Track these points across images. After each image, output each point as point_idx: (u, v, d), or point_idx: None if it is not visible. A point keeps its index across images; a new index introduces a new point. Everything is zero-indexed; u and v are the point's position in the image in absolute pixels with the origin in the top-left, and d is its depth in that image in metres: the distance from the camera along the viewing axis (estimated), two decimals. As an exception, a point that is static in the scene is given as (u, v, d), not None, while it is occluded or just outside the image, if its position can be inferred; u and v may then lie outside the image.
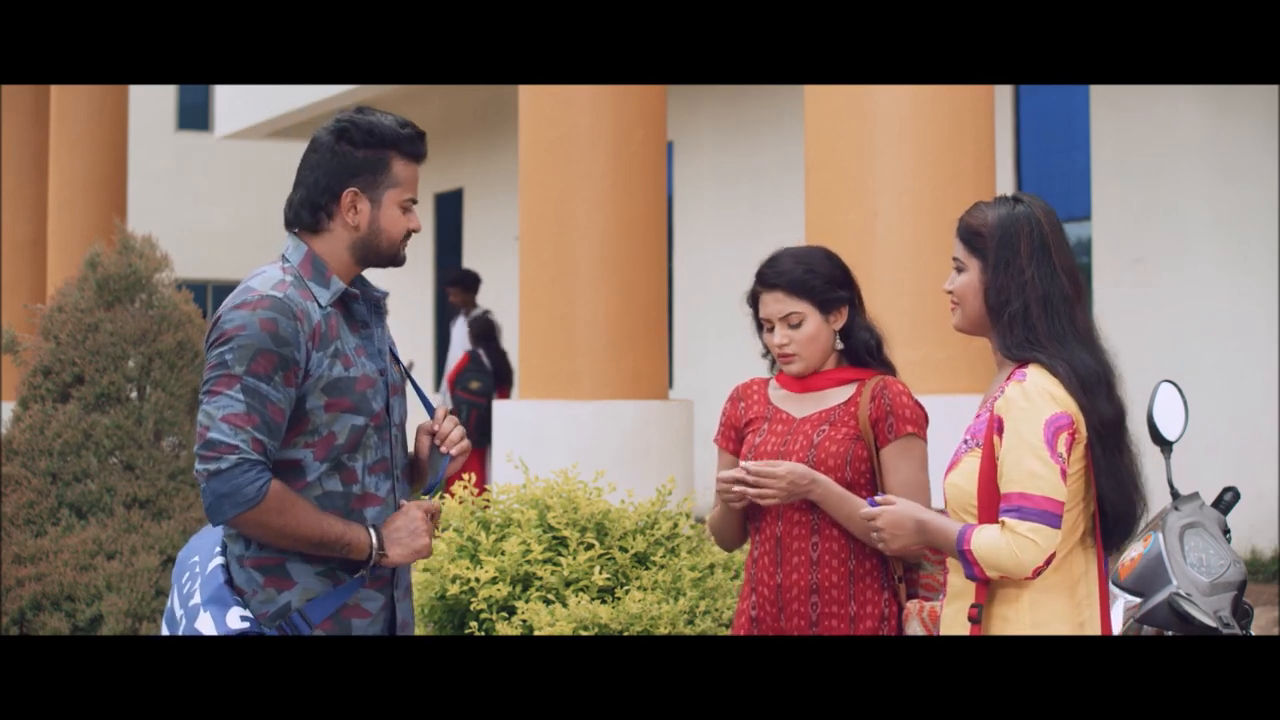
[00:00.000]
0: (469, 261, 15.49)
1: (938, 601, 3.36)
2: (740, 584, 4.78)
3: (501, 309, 12.62)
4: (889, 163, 6.04)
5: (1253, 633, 3.91)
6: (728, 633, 4.63)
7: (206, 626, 3.01)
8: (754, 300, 3.58)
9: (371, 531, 3.07)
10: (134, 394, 5.80)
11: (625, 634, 4.50)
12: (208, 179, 22.44)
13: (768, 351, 3.59)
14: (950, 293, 3.15)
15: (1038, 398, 2.94)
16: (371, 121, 3.12)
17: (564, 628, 4.48)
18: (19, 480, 5.65)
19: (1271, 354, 8.96)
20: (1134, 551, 3.80)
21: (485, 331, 11.68)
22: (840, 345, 3.57)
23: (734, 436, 3.62)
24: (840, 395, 3.53)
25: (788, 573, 3.47)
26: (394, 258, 3.18)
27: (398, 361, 3.27)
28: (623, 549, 4.82)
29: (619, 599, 4.67)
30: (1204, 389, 8.39)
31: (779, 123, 12.14)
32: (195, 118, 22.59)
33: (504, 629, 4.62)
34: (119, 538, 5.52)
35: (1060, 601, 2.99)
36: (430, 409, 3.31)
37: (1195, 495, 3.94)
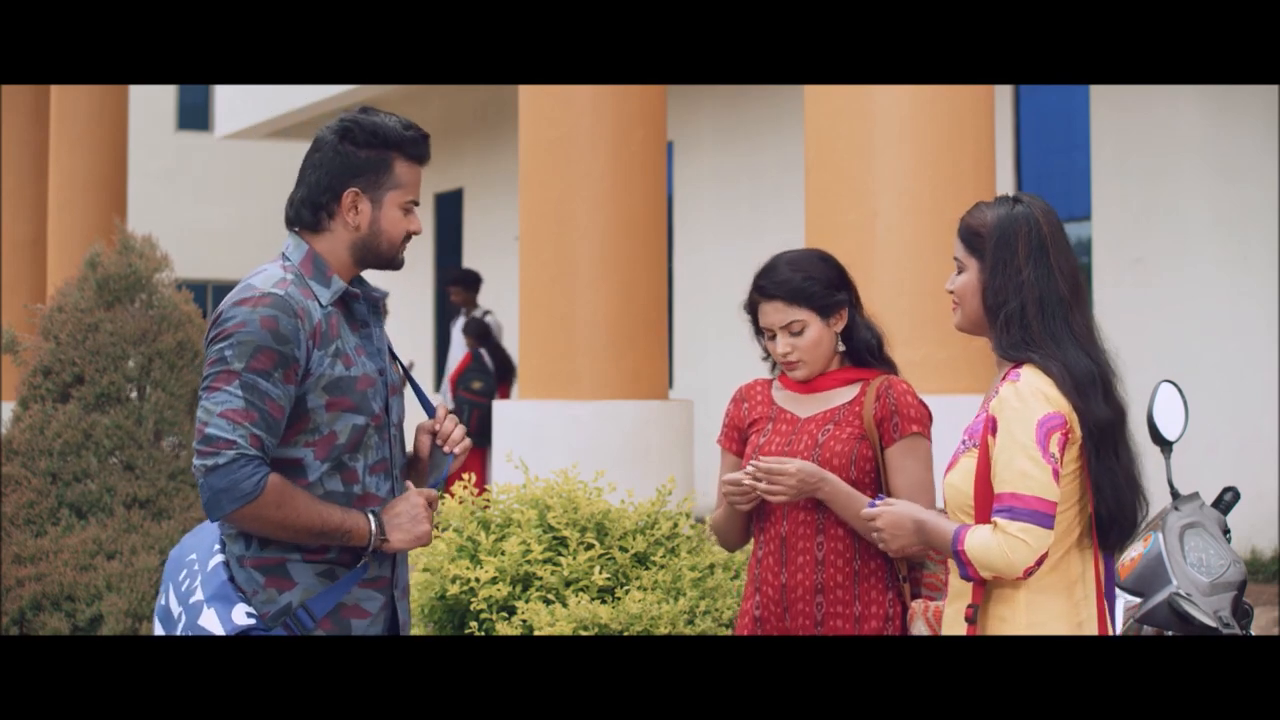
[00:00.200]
0: (469, 261, 15.49)
1: (942, 600, 3.36)
2: (740, 584, 4.78)
3: (501, 309, 12.63)
4: (889, 163, 6.04)
5: (1253, 633, 3.91)
6: (728, 633, 4.63)
7: (211, 623, 3.01)
8: (752, 308, 3.57)
9: (371, 517, 3.07)
10: (134, 394, 5.80)
11: (625, 634, 4.50)
12: (208, 179, 22.44)
13: (768, 355, 3.59)
14: (952, 292, 3.15)
15: (1031, 398, 2.94)
16: (375, 122, 3.11)
17: (564, 628, 4.48)
18: (19, 480, 5.65)
19: (1271, 354, 8.96)
20: (1134, 551, 3.80)
21: (481, 333, 11.69)
22: (842, 346, 3.57)
23: (737, 438, 3.62)
24: (845, 395, 3.53)
25: (792, 572, 3.47)
26: (392, 260, 3.18)
27: (396, 360, 3.27)
28: (623, 549, 4.82)
29: (619, 599, 4.67)
30: (1204, 389, 8.39)
31: (779, 123, 12.14)
32: (195, 118, 22.60)
33: (504, 629, 4.62)
34: (119, 538, 5.52)
35: (1057, 602, 2.99)
36: (429, 408, 3.31)
37: (1195, 495, 3.94)
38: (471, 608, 4.75)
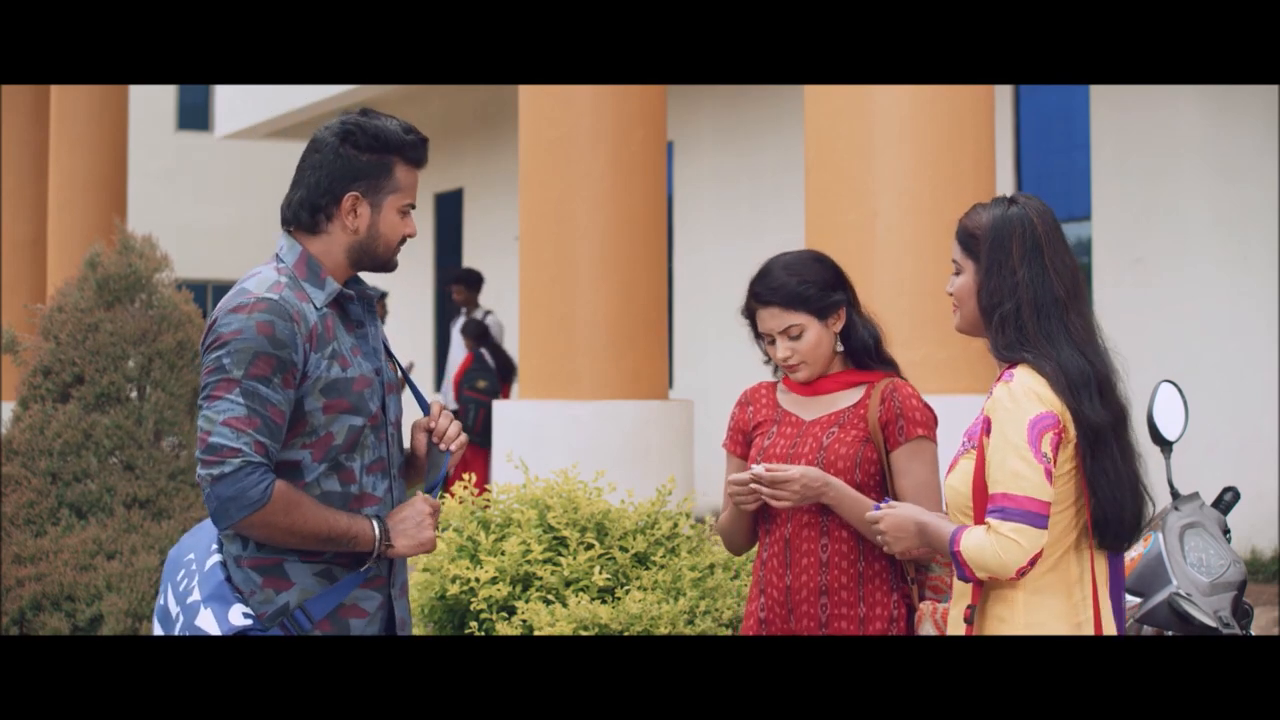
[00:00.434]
0: (469, 261, 15.49)
1: (948, 602, 3.36)
2: (740, 584, 4.78)
3: (502, 309, 12.63)
4: (889, 163, 6.04)
5: (1253, 633, 3.91)
6: (728, 633, 4.63)
7: (208, 624, 3.01)
8: (750, 314, 3.57)
9: (375, 523, 3.07)
10: (134, 394, 5.80)
11: (625, 634, 4.50)
12: (208, 179, 22.44)
13: (770, 359, 3.59)
14: (952, 295, 3.15)
15: (1023, 398, 2.94)
16: (377, 125, 3.11)
17: (564, 628, 4.48)
18: (19, 480, 5.65)
19: (1271, 354, 8.96)
20: (1134, 551, 3.80)
21: (479, 333, 11.70)
22: (841, 346, 3.56)
23: (742, 441, 3.62)
24: (849, 398, 3.53)
25: (797, 574, 3.47)
26: (388, 263, 3.18)
27: (393, 359, 3.26)
28: (623, 549, 4.82)
29: (619, 599, 4.67)
30: (1204, 389, 8.39)
31: (779, 123, 12.14)
32: (195, 118, 22.60)
33: (504, 629, 4.62)
34: (119, 538, 5.52)
35: (1056, 603, 2.99)
36: (425, 406, 3.31)
37: (1195, 495, 3.94)
38: (471, 608, 4.75)
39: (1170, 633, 3.67)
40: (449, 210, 16.44)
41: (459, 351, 12.18)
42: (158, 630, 3.14)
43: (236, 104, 16.83)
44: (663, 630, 4.54)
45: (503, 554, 4.80)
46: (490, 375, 11.44)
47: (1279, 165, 8.97)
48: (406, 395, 3.34)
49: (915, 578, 3.47)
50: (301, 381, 3.01)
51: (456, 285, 12.38)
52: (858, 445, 3.45)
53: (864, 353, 3.55)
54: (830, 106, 6.17)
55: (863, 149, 6.07)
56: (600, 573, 4.71)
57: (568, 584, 4.74)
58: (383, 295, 3.87)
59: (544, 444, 7.33)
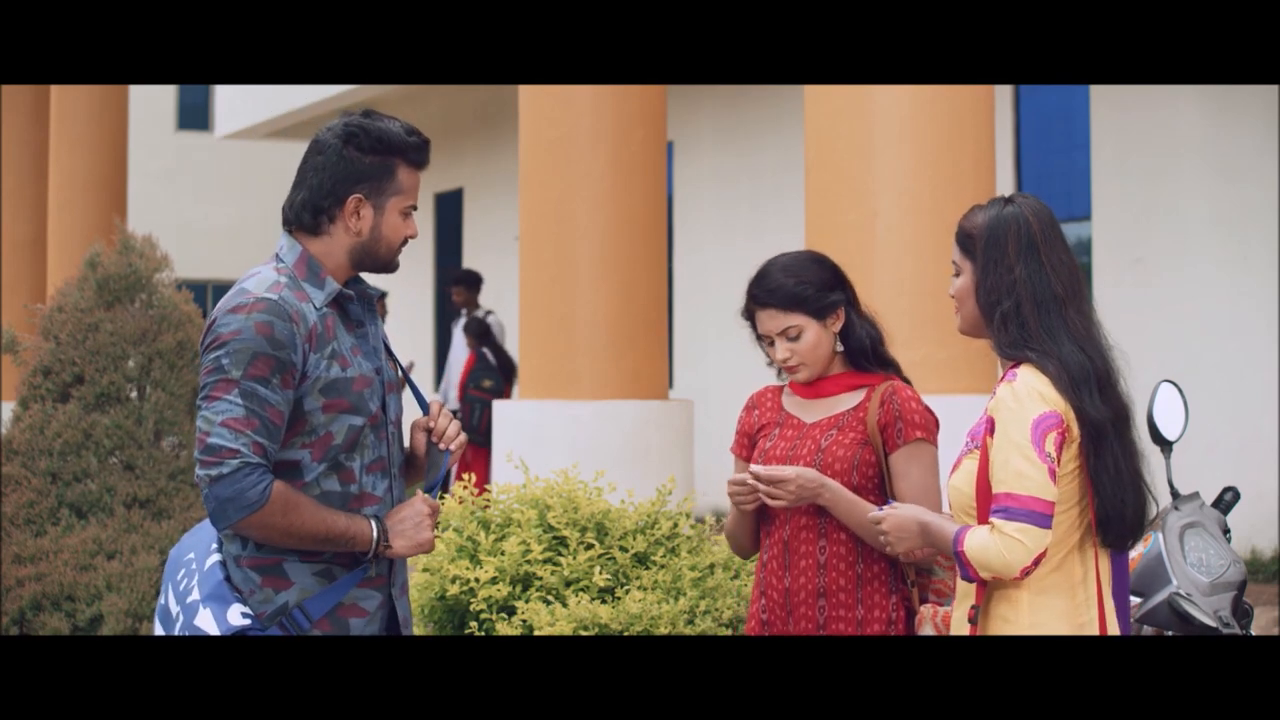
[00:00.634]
0: (469, 261, 15.50)
1: (950, 606, 3.36)
2: (740, 584, 4.79)
3: (502, 309, 12.63)
4: (889, 163, 6.04)
5: (1253, 633, 3.91)
6: (728, 633, 4.63)
7: (207, 623, 3.01)
8: (749, 316, 3.58)
9: (374, 523, 3.07)
10: (134, 394, 5.80)
11: (625, 634, 4.50)
12: (208, 179, 22.45)
13: (772, 361, 3.60)
14: (954, 297, 3.15)
15: (1026, 398, 2.94)
16: (380, 128, 3.11)
17: (564, 628, 4.48)
18: (19, 480, 5.65)
19: (1271, 354, 8.96)
20: (1134, 551, 3.80)
21: (482, 332, 11.70)
22: (841, 346, 3.56)
23: (747, 444, 3.63)
24: (850, 400, 3.53)
25: (795, 576, 3.47)
26: (389, 264, 3.18)
27: (393, 358, 3.26)
28: (623, 549, 4.82)
29: (619, 599, 4.67)
30: (1204, 389, 8.39)
31: (779, 123, 12.14)
32: (195, 118, 22.60)
33: (504, 629, 4.62)
34: (119, 538, 5.52)
35: (1060, 603, 2.99)
36: (424, 405, 3.31)
37: (1195, 495, 3.94)
38: (471, 608, 4.75)
39: (1170, 633, 3.67)
40: (449, 210, 16.44)
41: (460, 351, 12.18)
42: (159, 630, 3.14)
43: (236, 104, 16.83)
44: (663, 630, 4.54)
45: (503, 554, 4.80)
46: (495, 375, 11.44)
47: (1279, 165, 8.97)
48: (406, 394, 3.34)
49: (916, 581, 3.47)
50: (301, 381, 3.01)
51: (456, 286, 12.38)
52: (855, 448, 3.46)
53: (861, 353, 3.55)
54: (830, 106, 6.17)
55: (863, 149, 6.07)
56: (600, 573, 4.71)
57: (568, 584, 4.74)
58: (382, 295, 3.87)
59: (544, 444, 7.33)
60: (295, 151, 21.71)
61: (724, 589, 4.76)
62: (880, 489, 3.46)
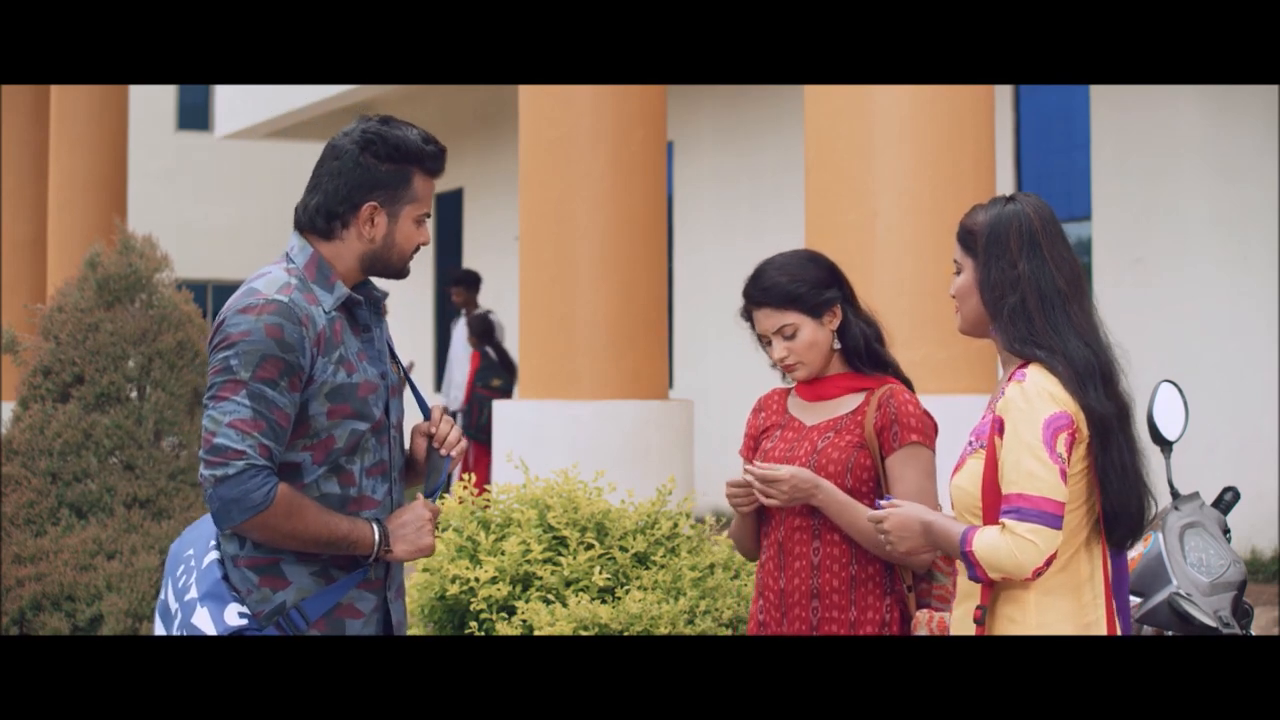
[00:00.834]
0: (469, 261, 15.50)
1: (948, 612, 3.36)
2: (740, 584, 4.79)
3: (502, 309, 12.63)
4: (889, 163, 6.04)
5: (1253, 633, 3.91)
6: (728, 633, 4.63)
7: (203, 622, 3.01)
8: (747, 316, 3.58)
9: (375, 527, 3.07)
10: (134, 394, 5.80)
11: (625, 634, 4.50)
12: (208, 179, 22.44)
13: (775, 363, 3.60)
14: (954, 296, 3.15)
15: (1037, 398, 2.94)
16: (398, 136, 3.09)
17: (564, 628, 4.48)
18: (19, 480, 5.65)
19: (1271, 354, 8.96)
20: (1134, 551, 3.80)
21: (485, 330, 11.68)
22: (838, 345, 3.56)
23: (753, 446, 3.64)
24: (850, 404, 3.53)
25: (790, 577, 3.48)
26: (401, 270, 3.18)
27: (396, 361, 3.26)
28: (623, 549, 4.82)
29: (619, 599, 4.67)
30: (1204, 389, 8.39)
31: (779, 123, 12.14)
32: (195, 118, 22.60)
33: (504, 629, 4.62)
34: (119, 538, 5.52)
35: (1066, 603, 2.99)
36: (425, 409, 3.30)
37: (1195, 495, 3.94)
38: (471, 608, 4.75)
39: (1170, 633, 3.67)
40: (449, 210, 16.44)
41: (461, 351, 12.17)
42: (159, 625, 3.14)
43: (236, 104, 16.83)
44: (663, 630, 4.54)
45: (503, 554, 4.80)
46: (504, 373, 11.43)
47: (1279, 165, 8.97)
48: (407, 396, 3.34)
49: (913, 585, 3.47)
50: (307, 385, 3.00)
51: (456, 286, 12.38)
52: (850, 450, 3.46)
53: (855, 352, 3.55)
54: (830, 106, 6.17)
55: (863, 149, 6.07)
56: (600, 573, 4.71)
57: (568, 584, 4.74)
58: (383, 296, 3.86)
59: (544, 444, 7.33)
60: (295, 151, 21.72)
61: (724, 589, 4.76)
62: (875, 493, 3.46)
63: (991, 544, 2.92)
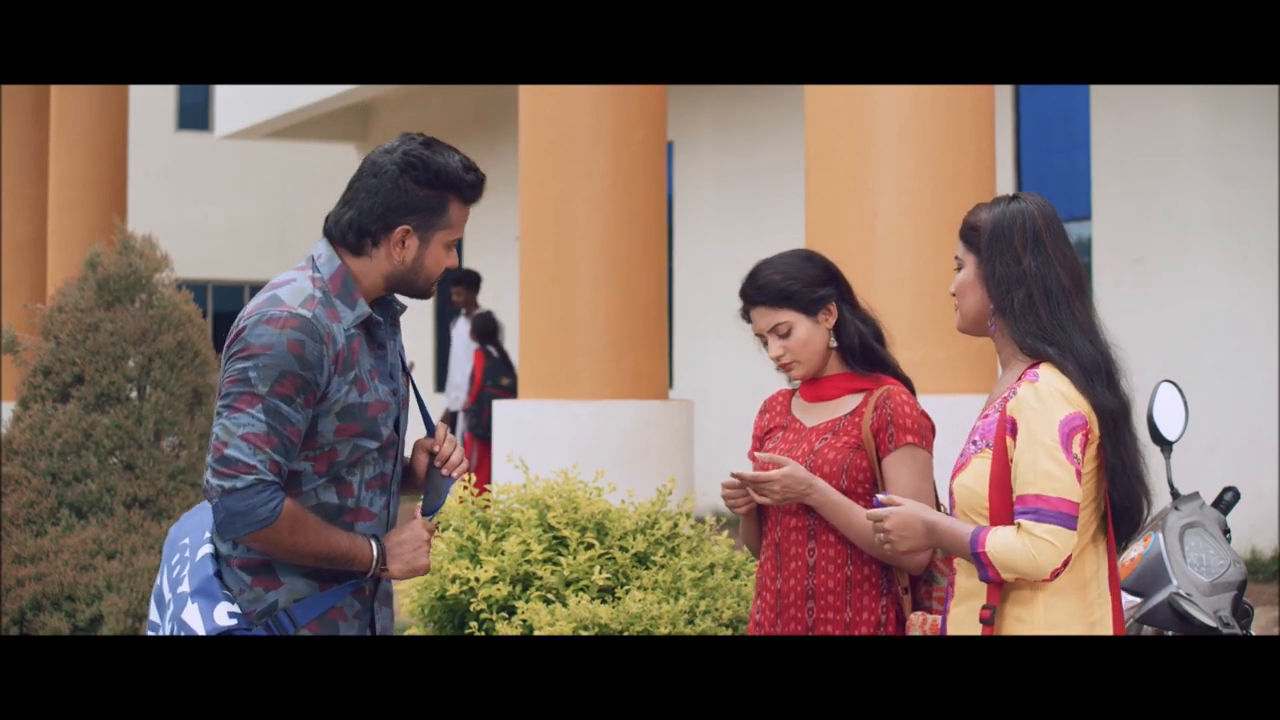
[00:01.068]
0: (469, 261, 15.50)
1: (943, 614, 3.35)
2: (740, 584, 4.79)
3: (501, 309, 12.63)
4: (889, 163, 6.04)
5: (1253, 633, 3.91)
6: (728, 633, 4.63)
7: (193, 619, 3.01)
8: (746, 316, 3.59)
9: (374, 544, 3.07)
10: (134, 394, 5.80)
11: (625, 634, 4.50)
12: (208, 179, 22.45)
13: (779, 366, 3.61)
14: (954, 295, 3.15)
15: (1050, 398, 2.94)
16: (439, 163, 3.07)
17: (564, 628, 4.48)
18: (19, 480, 5.65)
19: (1271, 354, 8.97)
20: (1134, 551, 3.80)
21: (488, 329, 11.68)
22: (834, 343, 3.55)
23: (759, 448, 3.64)
24: (850, 404, 3.53)
25: (786, 578, 3.48)
26: (425, 292, 3.17)
27: (407, 374, 3.25)
28: (623, 549, 4.82)
29: (619, 599, 4.67)
30: (1204, 389, 8.39)
31: (779, 123, 12.14)
32: (195, 118, 22.60)
33: (504, 629, 4.62)
34: (119, 538, 5.52)
35: (1072, 602, 2.99)
36: (430, 425, 3.29)
37: (1195, 495, 3.94)
38: (471, 608, 4.75)
39: (1170, 633, 3.67)
40: (449, 210, 16.41)
41: (462, 351, 12.17)
42: (153, 610, 3.14)
43: (236, 104, 16.83)
44: (663, 630, 4.54)
45: (503, 554, 4.80)
46: (512, 372, 11.44)
47: (1279, 165, 8.97)
48: (412, 405, 3.33)
49: (910, 587, 3.46)
50: (320, 401, 2.99)
51: (456, 286, 12.38)
52: (846, 452, 3.46)
53: (850, 351, 3.55)
54: (830, 106, 6.17)
55: (863, 149, 6.07)
56: (600, 573, 4.71)
57: (568, 584, 4.74)
58: (403, 309, 3.85)
59: (544, 444, 7.33)
60: (295, 151, 21.74)
61: (724, 589, 4.76)
62: (872, 495, 3.45)
63: (1007, 545, 2.91)
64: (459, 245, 13.26)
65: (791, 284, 3.50)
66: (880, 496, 3.13)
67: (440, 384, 15.25)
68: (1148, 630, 3.71)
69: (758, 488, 3.41)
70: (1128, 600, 3.74)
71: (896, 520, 3.06)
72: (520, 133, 8.06)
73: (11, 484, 5.65)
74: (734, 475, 3.44)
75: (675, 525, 4.95)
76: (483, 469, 10.85)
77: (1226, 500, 4.00)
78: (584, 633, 4.48)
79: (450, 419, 12.18)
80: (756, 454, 3.46)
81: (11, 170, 14.61)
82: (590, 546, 4.81)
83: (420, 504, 3.24)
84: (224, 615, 3.01)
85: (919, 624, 3.38)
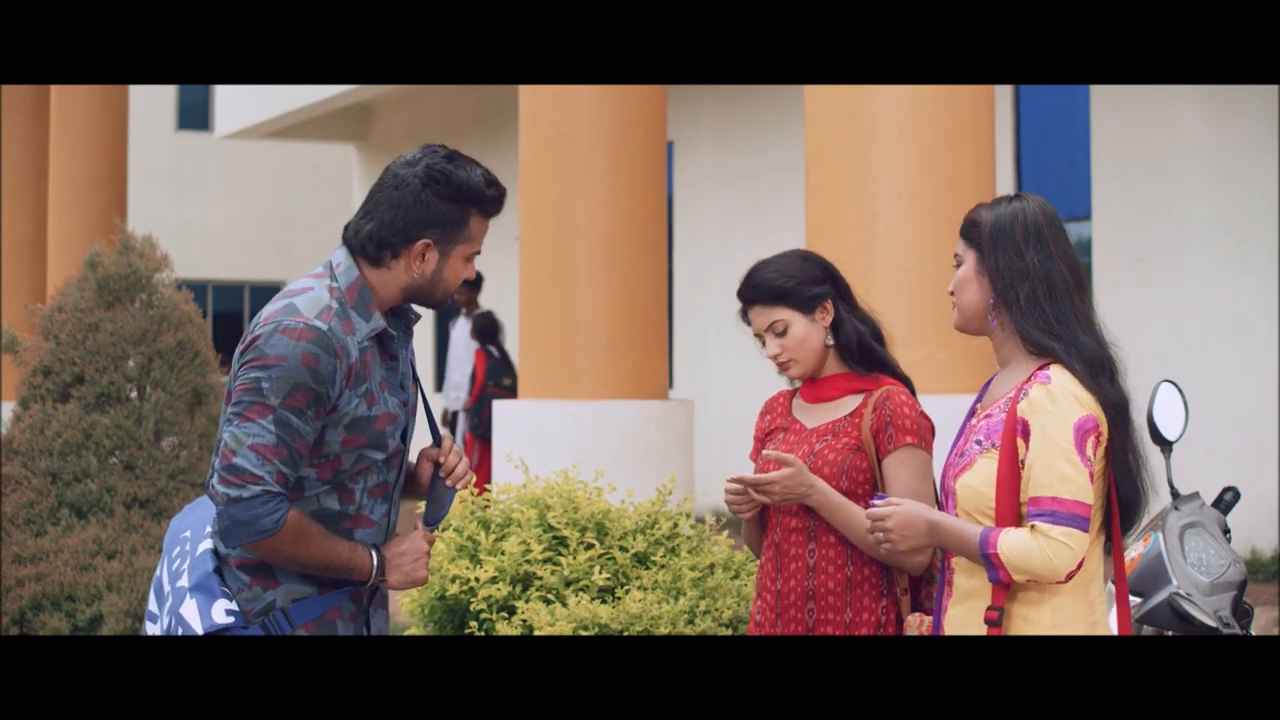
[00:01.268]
0: (469, 261, 15.48)
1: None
2: (740, 584, 4.79)
3: (502, 309, 12.63)
4: (889, 163, 6.04)
5: (1253, 633, 3.91)
6: (728, 633, 4.63)
7: (190, 615, 3.01)
8: (745, 316, 3.59)
9: (374, 555, 3.07)
10: (134, 394, 5.81)
11: (625, 634, 4.50)
12: (208, 179, 22.46)
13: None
14: (952, 293, 3.15)
15: (1064, 401, 2.94)
16: (462, 177, 3.07)
17: (564, 628, 4.48)
18: (19, 480, 5.65)
19: (1271, 354, 8.97)
20: (1134, 551, 3.80)
21: (488, 329, 11.68)
22: (832, 341, 3.55)
23: (760, 449, 3.64)
24: (850, 405, 3.53)
25: (786, 579, 3.48)
26: (441, 304, 3.18)
27: (416, 382, 3.25)
28: (623, 549, 4.82)
29: (619, 599, 4.67)
30: (1204, 389, 8.40)
31: (779, 123, 12.14)
32: (195, 118, 22.61)
33: (504, 629, 4.62)
34: (119, 538, 5.52)
35: (1076, 602, 2.99)
36: (436, 434, 3.29)
37: (1195, 495, 3.94)
38: (471, 608, 4.75)
39: (1170, 633, 3.67)
40: (449, 210, 16.42)
41: (462, 351, 12.16)
42: (152, 600, 3.15)
43: (236, 104, 16.83)
44: (663, 630, 4.54)
45: (503, 554, 4.80)
46: (513, 372, 11.44)
47: (1279, 165, 8.97)
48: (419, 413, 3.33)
49: (909, 588, 3.46)
50: (330, 413, 3.00)
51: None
52: (846, 453, 3.46)
53: (848, 350, 3.55)
54: (830, 106, 6.17)
55: (863, 149, 6.07)
56: (600, 573, 4.71)
57: (568, 584, 4.74)
58: (417, 318, 3.85)
59: (544, 444, 7.33)
60: (295, 151, 21.75)
61: (724, 589, 4.76)
62: (872, 496, 3.45)
63: (1022, 547, 2.91)
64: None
65: (787, 282, 3.51)
66: (876, 500, 3.12)
67: (439, 383, 15.24)
68: (1148, 630, 3.71)
69: (758, 489, 3.41)
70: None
71: (899, 520, 3.05)
72: (520, 133, 8.06)
73: (11, 484, 5.65)
74: (735, 480, 3.44)
75: (675, 525, 4.95)
76: (483, 469, 10.85)
77: (1226, 500, 4.00)
78: (584, 633, 4.48)
79: (450, 419, 12.18)
80: (765, 451, 3.45)
81: (11, 170, 14.61)
82: (590, 546, 4.81)
83: (421, 513, 3.25)
84: (221, 612, 3.01)
85: (916, 625, 3.38)
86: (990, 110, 6.25)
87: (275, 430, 2.94)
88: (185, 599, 3.04)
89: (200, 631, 3.01)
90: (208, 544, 3.08)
